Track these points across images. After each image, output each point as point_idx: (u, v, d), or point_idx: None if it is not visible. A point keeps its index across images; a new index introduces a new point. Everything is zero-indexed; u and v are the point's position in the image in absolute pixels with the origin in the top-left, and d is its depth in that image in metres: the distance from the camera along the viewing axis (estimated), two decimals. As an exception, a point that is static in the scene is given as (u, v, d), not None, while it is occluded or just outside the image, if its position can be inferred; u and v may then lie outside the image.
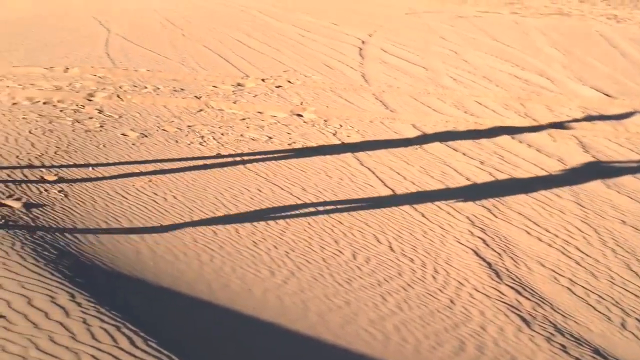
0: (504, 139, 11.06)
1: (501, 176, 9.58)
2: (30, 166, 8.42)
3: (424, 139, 10.85)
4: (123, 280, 5.95)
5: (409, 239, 7.63)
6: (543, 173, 9.74)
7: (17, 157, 8.67)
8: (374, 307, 6.20)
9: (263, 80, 13.71)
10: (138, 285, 5.92)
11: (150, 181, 8.46)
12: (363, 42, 17.78)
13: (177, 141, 10.02)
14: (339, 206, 8.24)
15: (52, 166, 8.53)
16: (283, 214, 7.90)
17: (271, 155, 9.72)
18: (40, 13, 20.34)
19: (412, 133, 11.09)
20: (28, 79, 12.76)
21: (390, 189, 8.88)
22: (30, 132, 9.71)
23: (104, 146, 9.53)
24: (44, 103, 11.25)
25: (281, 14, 20.86)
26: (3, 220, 6.58)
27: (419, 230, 7.83)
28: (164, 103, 11.85)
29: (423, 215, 8.20)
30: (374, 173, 9.36)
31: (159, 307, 5.59)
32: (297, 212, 8.01)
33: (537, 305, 6.50)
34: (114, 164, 8.90)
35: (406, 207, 8.37)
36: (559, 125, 11.73)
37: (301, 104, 12.23)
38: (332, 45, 17.19)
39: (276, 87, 13.29)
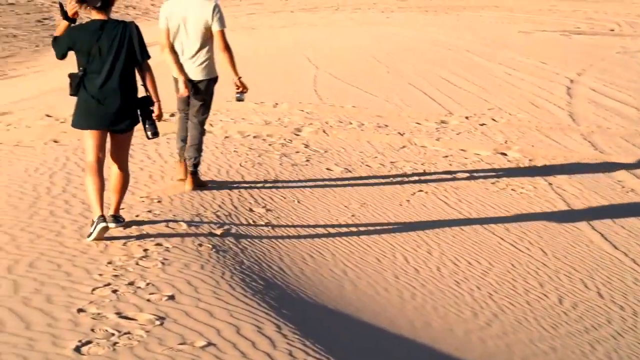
0: None
1: None
2: (240, 198, 8.72)
3: (636, 183, 10.41)
4: (327, 313, 6.03)
5: (619, 285, 7.32)
6: None
7: (228, 188, 9.00)
8: (581, 355, 5.98)
9: (467, 118, 13.62)
10: (341, 319, 5.98)
11: (353, 216, 8.56)
12: (572, 81, 17.34)
13: (380, 177, 10.10)
14: (544, 248, 8.02)
15: (261, 198, 8.80)
16: (486, 254, 7.78)
17: (474, 194, 9.61)
18: (256, 50, 21.17)
19: (624, 176, 10.67)
20: (239, 113, 13.25)
21: (599, 232, 8.56)
22: (240, 164, 10.06)
23: (309, 180, 9.74)
24: (254, 137, 11.64)
25: (489, 52, 20.69)
26: (214, 250, 6.83)
27: (630, 278, 7.51)
28: (368, 139, 11.99)
29: (634, 262, 7.85)
30: (581, 216, 9.06)
31: (361, 341, 5.62)
32: (500, 252, 7.87)
33: None
34: (319, 198, 9.07)
35: (616, 253, 8.05)
36: None
37: (505, 143, 12.05)
38: (539, 84, 16.86)
39: (480, 125, 13.17)
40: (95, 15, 6.85)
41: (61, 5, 6.92)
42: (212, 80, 8.44)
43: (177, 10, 8.31)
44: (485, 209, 9.11)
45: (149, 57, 6.97)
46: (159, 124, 7.05)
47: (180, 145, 8.63)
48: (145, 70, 6.95)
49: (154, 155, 9.89)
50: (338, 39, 22.86)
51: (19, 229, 7.15)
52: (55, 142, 10.61)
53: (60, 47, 6.84)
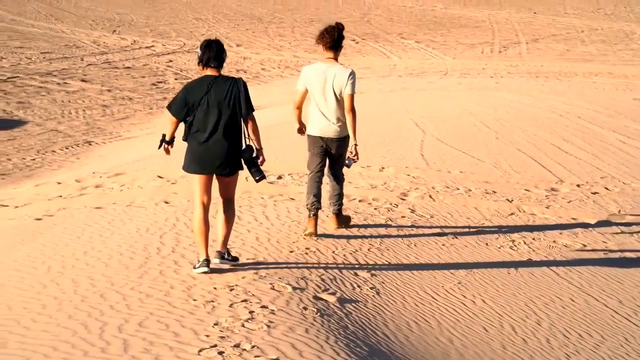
0: None
1: None
2: (345, 261, 8.71)
3: None
4: (431, 383, 5.93)
5: None
6: None
7: (333, 252, 9.00)
8: None
9: (578, 185, 13.34)
10: (446, 389, 5.87)
11: (459, 283, 8.44)
12: (688, 149, 16.84)
13: (487, 244, 9.96)
14: (659, 323, 7.74)
15: (365, 263, 8.77)
16: (598, 326, 7.55)
17: (585, 264, 9.36)
18: (364, 114, 21.30)
19: None
20: (346, 177, 13.28)
21: None
22: (346, 228, 10.05)
23: (414, 245, 9.66)
24: (360, 201, 11.65)
25: (603, 119, 20.30)
26: (318, 313, 6.82)
27: None
28: (475, 205, 11.86)
29: None
30: (699, 289, 8.73)
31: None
32: (613, 325, 7.62)
33: None
34: (425, 264, 8.98)
35: None
36: None
37: (619, 212, 11.75)
38: (654, 152, 16.42)
39: (592, 193, 12.88)
40: (209, 72, 7.60)
41: (164, 137, 7.77)
42: (347, 137, 9.18)
43: (317, 75, 9.03)
44: (597, 279, 8.86)
45: (253, 110, 7.66)
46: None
47: (311, 201, 9.11)
48: (250, 122, 7.63)
49: (260, 217, 10.00)
50: (446, 104, 22.83)
51: (129, 288, 7.30)
52: (166, 202, 10.85)
53: (178, 104, 7.57)
